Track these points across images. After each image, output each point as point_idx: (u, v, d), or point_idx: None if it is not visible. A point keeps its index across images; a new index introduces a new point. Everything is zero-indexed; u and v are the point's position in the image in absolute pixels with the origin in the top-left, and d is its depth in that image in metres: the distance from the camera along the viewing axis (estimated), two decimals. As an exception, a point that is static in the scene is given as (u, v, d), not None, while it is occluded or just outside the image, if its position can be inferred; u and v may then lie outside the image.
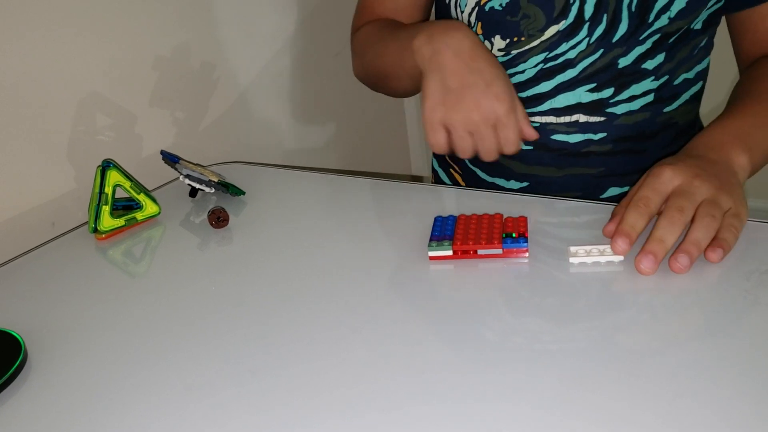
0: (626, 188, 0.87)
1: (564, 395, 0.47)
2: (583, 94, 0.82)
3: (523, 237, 0.65)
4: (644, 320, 0.54)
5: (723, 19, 0.85)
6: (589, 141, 0.85)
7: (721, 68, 0.90)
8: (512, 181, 0.90)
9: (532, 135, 0.75)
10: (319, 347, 0.56)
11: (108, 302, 0.68)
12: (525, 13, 0.79)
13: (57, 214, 0.91)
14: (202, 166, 0.92)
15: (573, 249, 0.63)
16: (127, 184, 0.82)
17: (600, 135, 0.84)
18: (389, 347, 0.55)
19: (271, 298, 0.65)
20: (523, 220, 0.68)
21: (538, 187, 0.88)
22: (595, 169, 0.86)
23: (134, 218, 0.83)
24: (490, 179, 0.92)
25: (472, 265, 0.65)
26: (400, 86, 0.87)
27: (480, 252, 0.65)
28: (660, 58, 0.81)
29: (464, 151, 0.74)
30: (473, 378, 0.50)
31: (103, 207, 0.80)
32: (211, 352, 0.58)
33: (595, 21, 0.79)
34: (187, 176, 0.86)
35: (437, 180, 1.03)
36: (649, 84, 0.82)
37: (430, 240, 0.67)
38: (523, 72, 0.84)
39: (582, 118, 0.83)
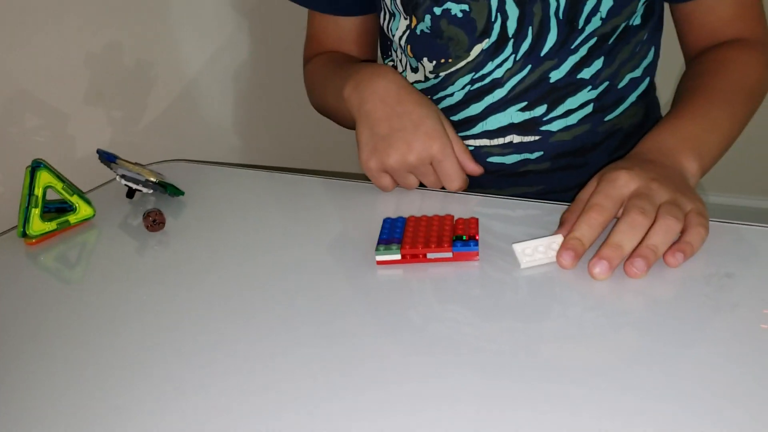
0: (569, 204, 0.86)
1: (505, 397, 0.45)
2: (514, 114, 0.80)
3: (473, 240, 0.63)
4: (598, 325, 0.53)
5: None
6: (526, 161, 0.83)
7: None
8: None
9: (474, 169, 0.75)
10: (256, 357, 0.53)
11: (40, 310, 0.64)
12: (449, 36, 0.78)
13: (-16, 218, 0.87)
14: (141, 165, 0.89)
15: (519, 247, 0.61)
16: (59, 185, 0.78)
17: (537, 154, 0.82)
18: (328, 355, 0.52)
19: (207, 305, 0.62)
20: (474, 221, 0.66)
21: None
22: (534, 187, 0.85)
23: (67, 221, 0.79)
24: None
25: (422, 270, 0.62)
26: (350, 126, 0.86)
27: (429, 256, 0.63)
28: (598, 64, 0.78)
29: (410, 187, 0.76)
30: (420, 385, 0.48)
31: (33, 210, 0.76)
32: (146, 362, 0.54)
33: (519, 36, 0.77)
34: (123, 176, 0.82)
35: None
36: (586, 95, 0.80)
37: (378, 243, 0.64)
38: (452, 95, 0.83)
39: (516, 138, 0.82)
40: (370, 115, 0.74)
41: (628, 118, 0.85)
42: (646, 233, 0.57)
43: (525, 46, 0.77)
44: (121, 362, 0.55)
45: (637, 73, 0.83)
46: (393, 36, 0.86)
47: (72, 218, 0.79)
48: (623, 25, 0.77)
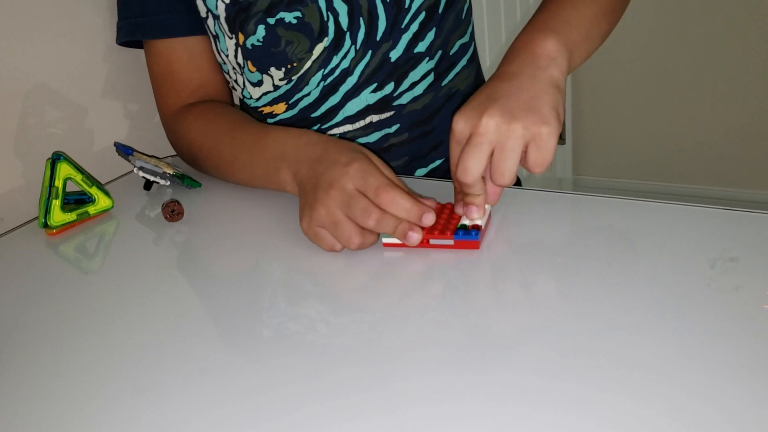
0: (430, 167, 0.92)
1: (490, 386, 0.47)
2: (368, 96, 0.86)
3: (475, 230, 0.64)
4: (609, 308, 0.54)
5: None
6: (387, 135, 0.88)
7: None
8: None
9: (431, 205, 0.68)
10: (276, 342, 0.55)
11: (60, 299, 0.66)
12: (287, 40, 0.81)
13: (5, 210, 0.88)
14: (157, 158, 0.90)
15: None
16: (79, 177, 0.80)
17: (395, 127, 0.88)
18: (337, 338, 0.54)
19: (226, 292, 0.63)
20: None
21: None
22: (401, 159, 0.90)
23: (86, 212, 0.81)
24: None
25: (424, 254, 0.64)
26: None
27: (432, 242, 0.64)
28: (430, 36, 0.84)
29: (353, 243, 0.64)
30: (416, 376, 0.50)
31: (54, 201, 0.78)
32: (164, 350, 0.56)
33: (353, 27, 0.82)
34: (141, 168, 0.84)
35: None
36: (425, 66, 0.86)
37: None
38: (309, 94, 0.86)
39: (374, 118, 0.87)
40: (301, 182, 0.70)
41: (463, 81, 0.92)
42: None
43: (361, 35, 0.82)
44: (141, 349, 0.57)
45: (466, 38, 0.90)
46: (228, 56, 0.86)
47: (91, 209, 0.81)
48: None
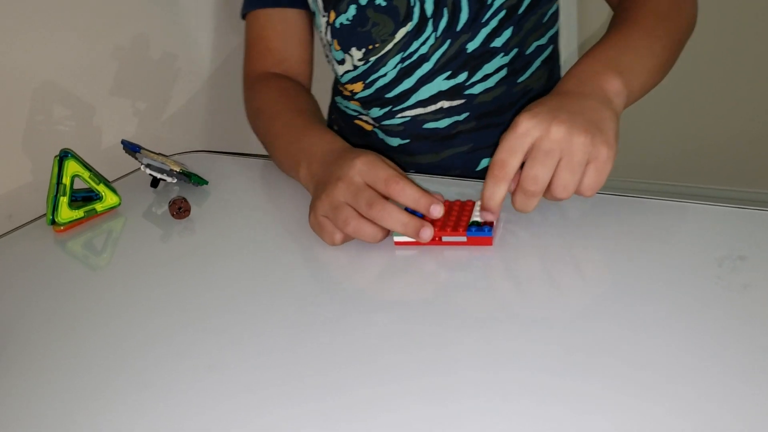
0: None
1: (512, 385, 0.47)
2: (441, 83, 0.89)
3: (488, 226, 0.64)
4: (617, 306, 0.54)
5: None
6: (456, 123, 0.92)
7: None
8: None
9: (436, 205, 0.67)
10: (282, 338, 0.55)
11: (68, 296, 0.66)
12: (374, 21, 0.87)
13: (13, 207, 0.89)
14: (165, 156, 0.90)
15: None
16: (86, 174, 0.80)
17: (464, 115, 0.91)
18: (347, 335, 0.54)
19: (233, 289, 0.63)
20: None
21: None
22: (466, 146, 0.93)
23: (94, 209, 0.81)
24: None
25: (437, 252, 0.64)
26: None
27: (445, 239, 0.64)
28: (507, 33, 0.87)
29: (353, 230, 0.65)
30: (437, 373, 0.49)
31: (61, 198, 0.78)
32: (171, 346, 0.56)
33: (437, 16, 0.85)
34: (148, 166, 0.84)
35: None
36: (500, 60, 0.89)
37: None
38: (385, 75, 0.90)
39: (446, 104, 0.90)
40: (314, 178, 0.72)
41: (536, 81, 0.94)
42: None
43: (443, 24, 0.86)
44: (148, 345, 0.57)
45: (543, 41, 0.92)
46: (321, 33, 0.92)
47: (99, 206, 0.81)
48: None
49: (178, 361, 0.54)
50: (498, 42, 0.87)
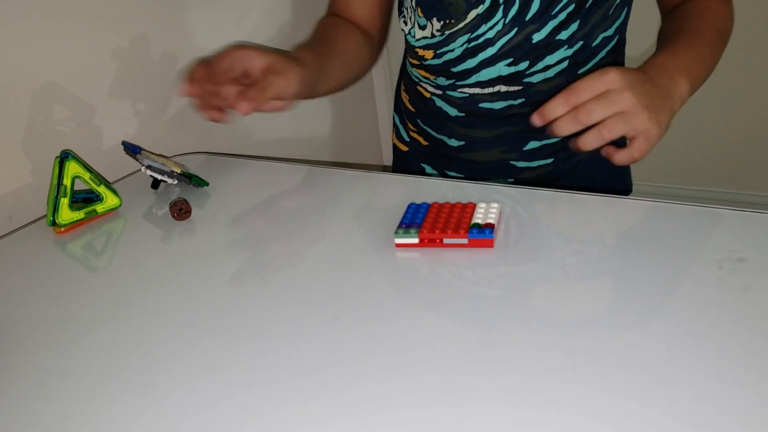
0: (544, 142, 0.97)
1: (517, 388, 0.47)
2: (502, 68, 0.92)
3: (489, 228, 0.64)
4: (617, 309, 0.54)
5: None
6: (511, 106, 0.95)
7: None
8: (453, 140, 1.00)
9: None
10: (282, 338, 0.55)
11: (68, 297, 0.66)
12: (449, 1, 0.89)
13: (14, 208, 0.89)
14: (165, 157, 0.91)
15: None
16: (87, 175, 0.80)
17: (519, 100, 0.94)
18: (346, 335, 0.54)
19: (233, 290, 0.63)
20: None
21: (473, 145, 0.98)
22: (517, 127, 0.96)
23: (94, 211, 0.81)
24: (438, 136, 1.01)
25: (438, 254, 0.64)
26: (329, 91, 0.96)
27: (446, 241, 0.64)
28: (574, 27, 0.89)
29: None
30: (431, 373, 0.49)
31: (62, 199, 0.78)
32: (171, 347, 0.56)
33: (508, 3, 0.88)
34: (149, 167, 0.84)
35: (397, 136, 1.10)
36: (563, 53, 0.91)
37: (398, 227, 0.66)
38: (452, 50, 0.93)
39: (503, 88, 0.93)
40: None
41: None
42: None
43: (513, 11, 0.88)
44: (148, 346, 0.57)
45: (610, 32, 0.93)
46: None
47: (99, 208, 0.81)
48: None
49: (177, 361, 0.54)
50: (564, 35, 0.89)
